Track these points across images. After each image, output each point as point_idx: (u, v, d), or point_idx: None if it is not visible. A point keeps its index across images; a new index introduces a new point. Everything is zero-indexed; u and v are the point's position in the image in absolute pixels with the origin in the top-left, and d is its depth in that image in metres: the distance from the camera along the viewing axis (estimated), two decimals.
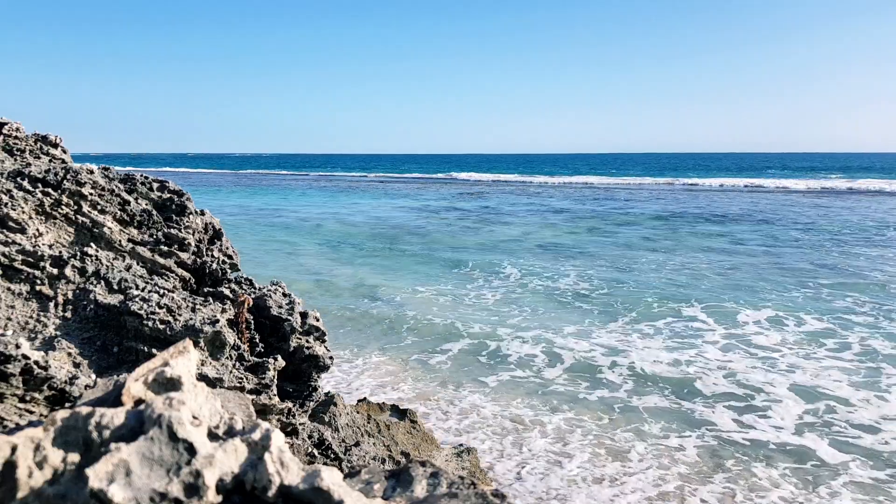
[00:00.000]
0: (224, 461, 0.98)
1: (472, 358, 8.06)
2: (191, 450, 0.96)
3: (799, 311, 10.07)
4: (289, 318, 3.43)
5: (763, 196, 36.16)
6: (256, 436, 1.02)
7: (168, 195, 3.65)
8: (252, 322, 3.29)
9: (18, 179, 3.07)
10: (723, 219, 23.88)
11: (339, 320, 9.78)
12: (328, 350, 3.64)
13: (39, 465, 0.93)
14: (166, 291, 3.07)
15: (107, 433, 0.97)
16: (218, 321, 2.97)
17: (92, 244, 3.12)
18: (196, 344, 2.88)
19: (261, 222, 23.75)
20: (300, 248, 17.36)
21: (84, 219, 3.17)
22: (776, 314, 9.98)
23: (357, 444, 3.98)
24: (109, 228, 3.22)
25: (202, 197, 38.67)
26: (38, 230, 2.96)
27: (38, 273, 2.81)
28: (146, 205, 3.49)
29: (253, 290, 3.58)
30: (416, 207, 30.81)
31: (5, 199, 2.91)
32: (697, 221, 23.16)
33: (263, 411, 3.15)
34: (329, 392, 4.26)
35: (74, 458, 0.95)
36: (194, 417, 1.02)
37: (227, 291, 3.38)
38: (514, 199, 35.29)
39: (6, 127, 3.58)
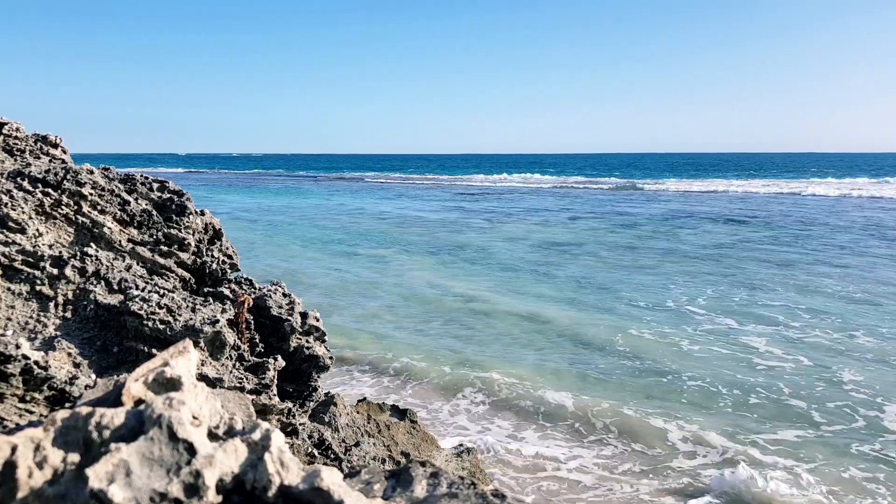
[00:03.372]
0: (224, 461, 0.98)
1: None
2: (191, 450, 0.96)
3: None
4: (289, 318, 3.43)
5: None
6: (256, 436, 1.02)
7: (168, 195, 3.65)
8: (252, 322, 3.29)
9: (18, 179, 3.07)
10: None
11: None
12: (328, 350, 3.64)
13: (39, 466, 0.93)
14: (166, 291, 3.07)
15: (107, 433, 0.97)
16: (218, 321, 2.97)
17: (92, 244, 3.12)
18: (196, 344, 2.88)
19: (334, 228, 22.71)
20: (409, 263, 15.25)
21: (84, 219, 3.17)
22: None
23: (357, 445, 3.98)
24: (109, 228, 3.22)
25: (252, 197, 37.13)
26: (38, 230, 2.96)
27: (38, 273, 2.80)
28: (146, 205, 3.49)
29: (253, 290, 3.58)
30: (467, 209, 30.27)
31: (5, 199, 2.91)
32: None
33: (263, 411, 3.15)
34: (329, 392, 4.27)
35: (74, 458, 0.95)
36: (194, 417, 1.02)
37: (227, 291, 3.38)
38: (555, 202, 34.52)
39: (6, 127, 3.58)
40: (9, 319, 2.67)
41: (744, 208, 29.80)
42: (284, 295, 3.59)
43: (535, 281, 13.53)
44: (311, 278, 13.69)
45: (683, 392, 7.43)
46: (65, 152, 3.84)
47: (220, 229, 3.85)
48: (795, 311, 10.73)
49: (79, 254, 2.98)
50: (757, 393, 7.35)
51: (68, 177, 3.18)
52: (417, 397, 7.37)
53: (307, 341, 3.51)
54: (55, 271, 2.85)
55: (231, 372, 3.01)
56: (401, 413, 4.84)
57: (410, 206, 32.58)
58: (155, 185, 3.67)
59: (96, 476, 0.89)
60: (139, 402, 1.05)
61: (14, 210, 2.90)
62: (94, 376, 2.63)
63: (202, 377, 2.83)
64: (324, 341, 3.61)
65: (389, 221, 25.21)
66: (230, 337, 3.01)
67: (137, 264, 3.26)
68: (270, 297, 3.50)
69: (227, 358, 3.01)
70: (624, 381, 7.81)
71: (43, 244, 2.93)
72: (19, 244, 2.81)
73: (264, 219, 26.16)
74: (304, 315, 3.53)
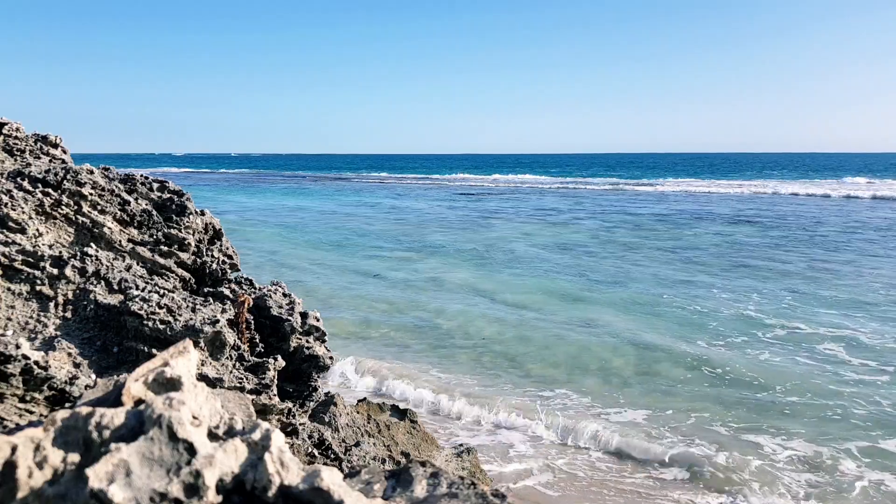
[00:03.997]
0: (224, 461, 0.98)
1: None
2: (191, 450, 0.96)
3: None
4: (289, 318, 3.43)
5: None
6: (256, 436, 1.02)
7: (168, 195, 3.65)
8: (252, 322, 3.29)
9: (18, 179, 3.07)
10: None
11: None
12: (328, 350, 3.64)
13: (39, 466, 0.93)
14: (166, 291, 3.07)
15: (107, 433, 0.97)
16: (218, 321, 2.97)
17: (92, 244, 3.12)
18: (196, 344, 2.88)
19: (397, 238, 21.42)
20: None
21: (84, 219, 3.17)
22: None
23: (357, 445, 3.98)
24: (109, 228, 3.22)
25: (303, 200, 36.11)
26: (38, 230, 2.96)
27: (38, 273, 2.80)
28: (146, 205, 3.49)
29: (253, 290, 3.58)
30: (474, 209, 29.68)
31: (5, 199, 2.91)
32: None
33: (263, 411, 3.15)
34: (329, 392, 4.27)
35: (74, 458, 0.95)
36: (194, 417, 1.02)
37: (227, 291, 3.38)
38: (562, 202, 33.80)
39: (6, 127, 3.58)
40: (9, 319, 2.67)
41: (754, 208, 29.74)
42: (284, 295, 3.59)
43: (573, 285, 13.15)
44: (346, 288, 13.08)
45: (782, 407, 7.07)
46: (65, 152, 3.84)
47: (220, 229, 3.84)
48: (854, 317, 10.48)
49: (79, 254, 2.99)
50: (859, 405, 7.04)
51: (68, 177, 3.18)
52: (481, 412, 7.00)
53: (307, 341, 3.51)
54: (55, 271, 2.85)
55: (231, 372, 3.01)
56: (401, 413, 4.83)
57: (416, 206, 32.45)
58: (155, 185, 3.67)
59: (96, 476, 0.89)
60: (139, 402, 1.05)
61: (14, 210, 2.90)
62: (94, 376, 2.63)
63: (202, 377, 2.83)
64: (324, 341, 3.61)
65: (402, 222, 24.91)
66: (230, 337, 3.01)
67: (137, 264, 3.26)
68: (270, 297, 3.50)
69: (227, 358, 3.01)
70: (710, 396, 7.33)
71: (43, 244, 2.93)
72: (19, 244, 2.81)
73: (272, 220, 25.75)
74: (304, 315, 3.53)
